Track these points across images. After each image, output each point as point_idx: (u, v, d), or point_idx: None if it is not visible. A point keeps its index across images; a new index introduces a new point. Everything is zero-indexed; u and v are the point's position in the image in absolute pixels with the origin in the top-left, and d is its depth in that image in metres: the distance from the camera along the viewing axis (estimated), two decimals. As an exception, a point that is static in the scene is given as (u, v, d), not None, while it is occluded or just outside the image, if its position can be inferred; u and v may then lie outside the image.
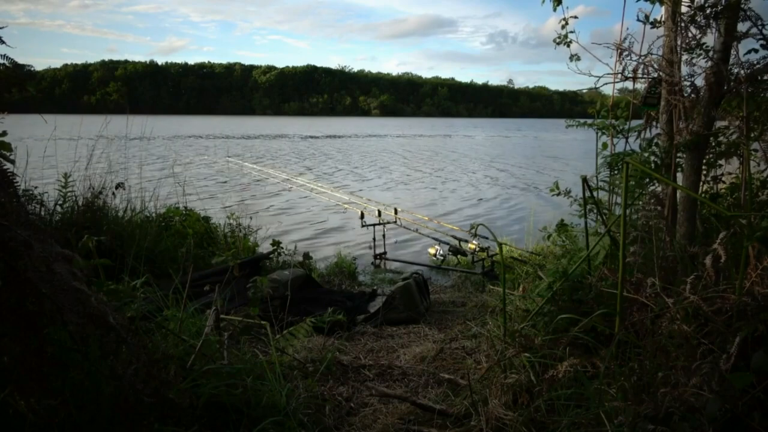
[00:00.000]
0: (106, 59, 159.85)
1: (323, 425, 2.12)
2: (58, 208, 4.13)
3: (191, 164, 17.72)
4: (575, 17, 3.10)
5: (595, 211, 2.95)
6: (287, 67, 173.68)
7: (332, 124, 78.54)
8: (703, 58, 2.51)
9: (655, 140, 2.80)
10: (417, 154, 27.20)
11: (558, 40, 3.16)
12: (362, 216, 6.52)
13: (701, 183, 2.79)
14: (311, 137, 42.94)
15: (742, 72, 2.41)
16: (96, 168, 4.71)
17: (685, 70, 2.60)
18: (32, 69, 1.72)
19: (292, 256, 5.01)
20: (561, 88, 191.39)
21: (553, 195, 3.44)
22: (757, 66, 2.38)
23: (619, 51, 2.76)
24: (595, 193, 3.00)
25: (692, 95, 2.56)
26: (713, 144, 2.77)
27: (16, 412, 1.34)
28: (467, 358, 2.82)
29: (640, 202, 2.65)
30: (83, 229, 3.65)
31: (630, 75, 2.82)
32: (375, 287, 4.51)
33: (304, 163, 21.42)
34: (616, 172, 3.03)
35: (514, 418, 1.96)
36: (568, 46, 3.14)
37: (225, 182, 13.79)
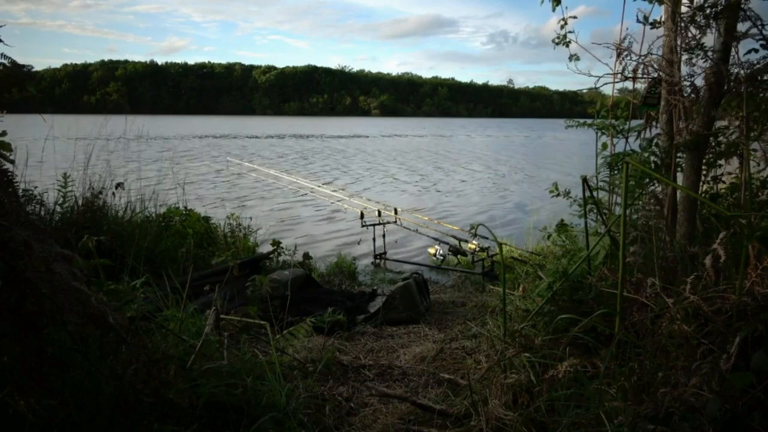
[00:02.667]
0: (106, 59, 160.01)
1: (323, 425, 2.12)
2: (58, 208, 4.13)
3: (237, 176, 15.76)
4: (574, 17, 3.10)
5: (595, 211, 2.95)
6: (287, 67, 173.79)
7: (344, 124, 78.60)
8: (702, 59, 2.51)
9: (655, 140, 2.80)
10: (454, 154, 27.22)
11: (557, 40, 3.16)
12: (362, 216, 6.52)
13: (701, 183, 2.79)
14: (340, 136, 44.02)
15: (742, 72, 2.41)
16: (96, 168, 4.71)
17: (685, 70, 2.60)
18: (32, 69, 1.72)
19: (292, 256, 5.01)
20: (561, 88, 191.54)
21: (552, 196, 3.44)
22: (757, 66, 2.38)
23: (618, 51, 2.76)
24: (595, 193, 3.00)
25: (692, 95, 2.56)
26: (713, 144, 2.77)
27: (16, 412, 1.34)
28: (467, 358, 2.82)
29: (640, 202, 2.65)
30: (83, 229, 3.65)
31: (630, 75, 2.82)
32: (375, 287, 4.51)
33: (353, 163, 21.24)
34: (616, 172, 3.03)
35: (514, 418, 1.96)
36: (567, 46, 3.14)
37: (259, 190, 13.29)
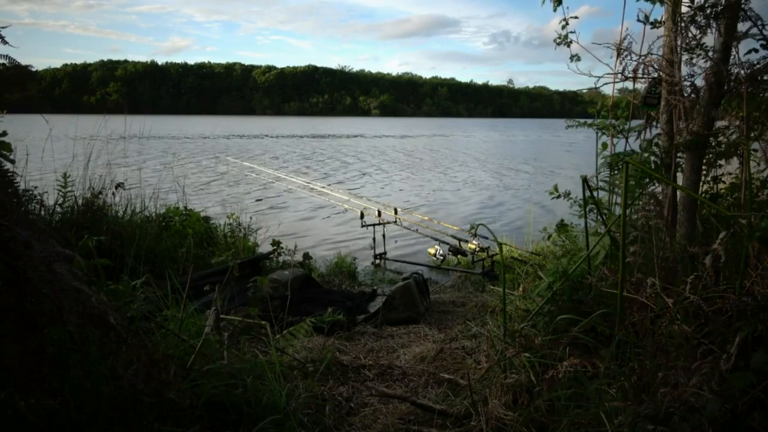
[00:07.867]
0: (106, 59, 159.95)
1: (323, 425, 2.12)
2: (58, 208, 4.13)
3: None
4: (575, 17, 3.10)
5: (595, 211, 2.95)
6: (287, 67, 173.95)
7: (352, 124, 78.72)
8: (702, 59, 2.51)
9: (655, 140, 2.80)
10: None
11: (558, 40, 3.16)
12: (362, 216, 6.52)
13: (701, 183, 2.79)
14: (386, 136, 45.47)
15: (742, 72, 2.41)
16: (96, 168, 4.71)
17: (685, 70, 2.60)
18: (33, 69, 1.72)
19: (292, 256, 5.01)
20: (561, 88, 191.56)
21: (552, 198, 3.44)
22: (757, 66, 2.38)
23: (618, 51, 2.76)
24: (595, 193, 3.00)
25: (692, 95, 2.56)
26: (713, 144, 2.77)
27: (16, 412, 1.34)
28: (467, 358, 2.81)
29: (640, 202, 2.65)
30: (83, 229, 3.65)
31: (630, 75, 2.82)
32: (375, 287, 4.51)
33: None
34: (616, 172, 3.03)
35: (514, 418, 1.96)
36: (568, 46, 3.14)
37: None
